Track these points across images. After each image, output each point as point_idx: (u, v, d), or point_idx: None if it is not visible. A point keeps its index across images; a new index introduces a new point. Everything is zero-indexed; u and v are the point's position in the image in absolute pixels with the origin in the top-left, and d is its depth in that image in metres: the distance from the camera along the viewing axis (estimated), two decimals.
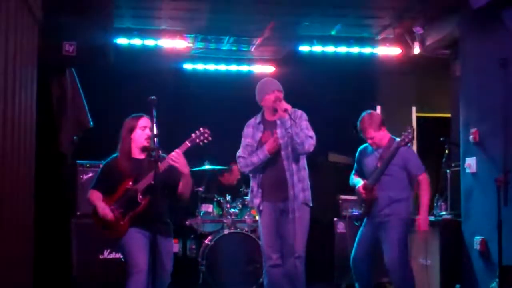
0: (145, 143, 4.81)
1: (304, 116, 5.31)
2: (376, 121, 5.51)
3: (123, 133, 4.90)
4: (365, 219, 5.59)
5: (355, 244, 5.59)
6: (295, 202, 5.09)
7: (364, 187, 5.47)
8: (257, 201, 5.29)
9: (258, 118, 5.50)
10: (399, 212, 5.37)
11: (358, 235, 5.61)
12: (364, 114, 5.54)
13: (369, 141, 5.54)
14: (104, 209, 4.75)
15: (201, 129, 4.90)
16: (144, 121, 4.83)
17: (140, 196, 4.72)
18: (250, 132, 5.46)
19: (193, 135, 4.86)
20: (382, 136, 5.51)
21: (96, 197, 4.85)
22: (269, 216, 5.25)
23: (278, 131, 5.23)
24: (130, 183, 4.78)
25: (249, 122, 5.56)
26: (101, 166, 5.05)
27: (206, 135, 4.86)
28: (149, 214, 4.61)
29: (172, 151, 4.91)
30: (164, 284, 4.85)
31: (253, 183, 5.38)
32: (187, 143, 4.81)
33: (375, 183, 5.39)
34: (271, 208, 5.23)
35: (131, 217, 4.74)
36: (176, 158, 4.69)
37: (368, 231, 5.53)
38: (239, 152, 5.40)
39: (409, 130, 5.17)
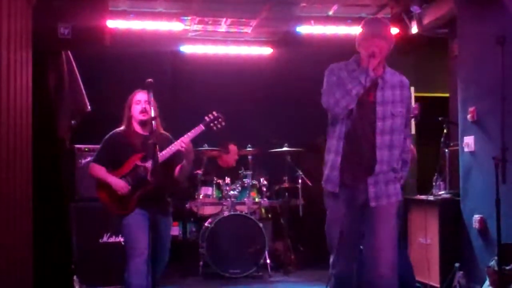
0: (140, 117, 4.81)
1: (410, 92, 4.24)
2: None
3: (125, 111, 4.94)
4: None
5: None
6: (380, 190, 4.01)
7: None
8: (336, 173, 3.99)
9: (351, 63, 4.12)
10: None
11: None
12: None
13: None
14: (119, 183, 4.77)
15: (214, 113, 4.94)
16: (139, 95, 4.85)
17: (150, 175, 4.71)
18: (343, 74, 4.04)
19: (206, 118, 4.91)
20: None
21: (101, 170, 4.87)
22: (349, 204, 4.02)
23: (379, 94, 4.00)
24: (139, 160, 4.80)
25: (332, 65, 4.18)
26: (103, 139, 5.01)
27: (220, 120, 4.91)
28: (154, 193, 4.62)
29: (172, 133, 4.93)
30: (163, 261, 4.86)
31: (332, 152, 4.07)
32: (202, 126, 4.86)
33: None
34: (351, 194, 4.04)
35: (141, 194, 4.75)
36: (187, 143, 4.73)
37: None
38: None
39: (414, 106, 5.09)
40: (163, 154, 4.73)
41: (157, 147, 4.48)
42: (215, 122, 4.89)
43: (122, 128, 4.94)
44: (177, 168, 4.88)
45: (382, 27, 4.09)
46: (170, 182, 4.95)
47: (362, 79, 3.86)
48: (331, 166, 4.05)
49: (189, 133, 4.81)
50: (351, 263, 4.12)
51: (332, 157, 4.04)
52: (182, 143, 4.73)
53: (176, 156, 4.82)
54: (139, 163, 4.80)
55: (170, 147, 4.77)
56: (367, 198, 3.98)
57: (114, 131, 4.96)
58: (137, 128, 4.89)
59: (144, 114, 4.79)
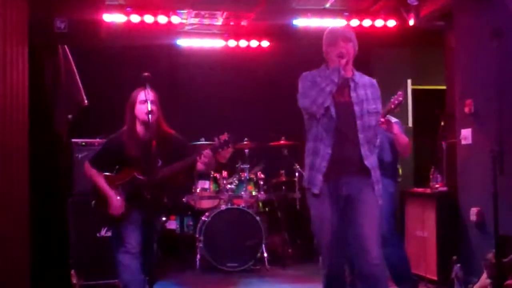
0: (145, 118, 4.57)
1: (376, 89, 4.32)
2: None
3: (127, 111, 4.77)
4: None
5: None
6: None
7: None
8: (319, 176, 4.13)
9: (322, 70, 4.32)
10: (386, 185, 5.36)
11: None
12: None
13: None
14: (115, 202, 4.67)
15: (225, 137, 4.73)
16: (142, 94, 4.64)
17: (147, 190, 4.58)
18: (317, 79, 4.25)
19: (216, 141, 4.72)
20: None
21: (97, 175, 4.77)
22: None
23: (353, 94, 4.19)
24: (138, 172, 4.67)
25: (304, 73, 4.44)
26: (105, 141, 4.96)
27: (229, 147, 4.76)
28: (150, 202, 4.58)
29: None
30: (151, 253, 4.84)
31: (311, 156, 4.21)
32: (209, 151, 4.68)
33: None
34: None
35: (133, 207, 4.68)
36: (208, 160, 4.63)
37: None
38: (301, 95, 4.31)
39: (399, 93, 5.05)
40: (175, 166, 4.66)
41: (155, 143, 4.46)
42: (223, 147, 4.72)
43: (124, 130, 4.76)
44: (199, 165, 4.74)
45: (346, 30, 4.37)
46: (169, 193, 4.92)
47: (334, 77, 4.07)
48: (313, 168, 4.16)
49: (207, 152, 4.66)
50: (340, 260, 4.20)
51: (313, 159, 4.16)
52: (203, 160, 4.63)
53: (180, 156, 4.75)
54: (137, 175, 4.69)
55: (187, 159, 4.67)
56: (351, 192, 4.09)
57: (116, 135, 4.80)
58: (140, 130, 4.72)
59: (151, 115, 4.56)
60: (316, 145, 4.16)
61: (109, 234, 6.25)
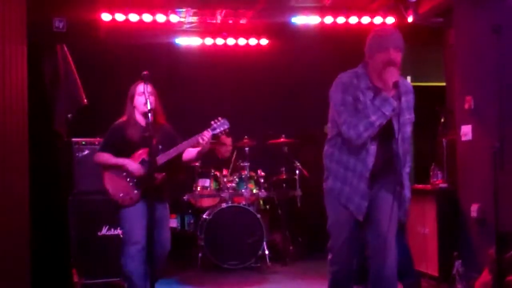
0: (145, 108, 4.67)
1: (412, 94, 4.12)
2: None
3: (127, 102, 4.94)
4: None
5: None
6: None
7: None
8: (358, 200, 3.97)
9: (362, 78, 3.97)
10: None
11: None
12: None
13: None
14: (133, 164, 4.80)
15: (219, 119, 4.99)
16: (141, 86, 4.78)
17: (156, 171, 4.67)
18: (359, 95, 3.91)
19: (213, 123, 4.95)
20: None
21: (110, 157, 4.86)
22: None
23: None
24: (145, 155, 4.77)
25: (343, 79, 4.00)
26: (108, 130, 5.00)
27: (226, 127, 4.98)
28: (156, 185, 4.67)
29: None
30: (165, 250, 4.88)
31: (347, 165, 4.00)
32: (209, 131, 4.89)
33: None
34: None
35: (145, 189, 4.74)
36: (208, 139, 4.81)
37: None
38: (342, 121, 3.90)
39: None
40: (179, 148, 4.81)
41: (154, 140, 4.49)
42: (221, 129, 4.94)
43: (124, 119, 4.93)
44: (196, 151, 4.93)
45: (398, 38, 3.93)
46: (175, 174, 4.98)
47: (386, 110, 3.82)
48: (346, 182, 3.98)
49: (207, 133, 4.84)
50: (351, 261, 4.16)
51: (345, 173, 3.98)
52: (203, 137, 4.80)
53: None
54: (146, 157, 4.75)
55: (190, 139, 4.81)
56: (373, 193, 3.99)
57: (116, 122, 4.94)
58: (139, 119, 4.90)
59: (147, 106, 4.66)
60: (351, 160, 3.96)
61: (109, 232, 6.29)
